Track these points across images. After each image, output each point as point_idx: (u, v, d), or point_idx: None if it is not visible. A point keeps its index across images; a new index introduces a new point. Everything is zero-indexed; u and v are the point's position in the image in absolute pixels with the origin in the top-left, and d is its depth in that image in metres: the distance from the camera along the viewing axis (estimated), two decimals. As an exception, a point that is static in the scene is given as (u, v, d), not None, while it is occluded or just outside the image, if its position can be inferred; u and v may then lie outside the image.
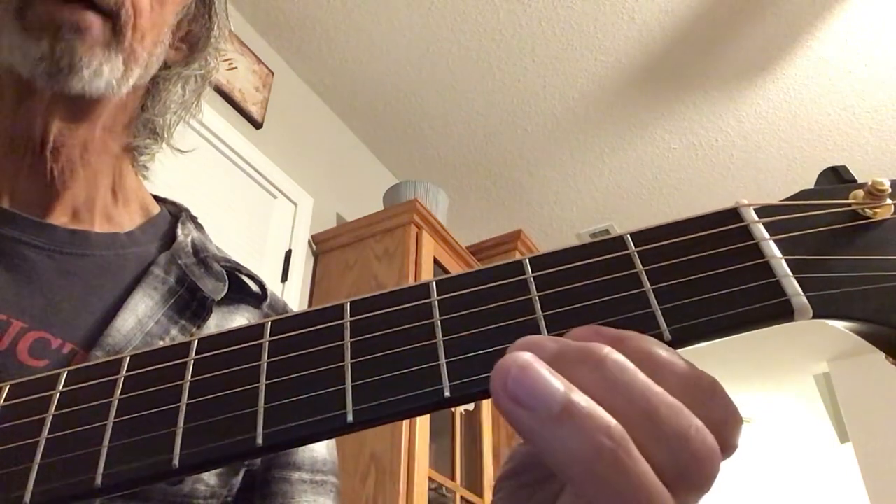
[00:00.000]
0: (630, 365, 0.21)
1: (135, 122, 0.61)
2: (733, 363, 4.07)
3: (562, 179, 2.95)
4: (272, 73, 2.34)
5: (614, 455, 0.19)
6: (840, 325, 0.25)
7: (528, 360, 0.20)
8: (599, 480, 0.19)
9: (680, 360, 0.22)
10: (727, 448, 0.21)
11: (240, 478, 0.54)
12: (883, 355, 0.25)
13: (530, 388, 0.20)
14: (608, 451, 0.19)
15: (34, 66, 0.49)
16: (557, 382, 0.20)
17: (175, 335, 0.52)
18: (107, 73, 0.51)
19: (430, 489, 1.84)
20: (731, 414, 0.21)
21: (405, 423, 1.73)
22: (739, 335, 0.25)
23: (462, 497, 1.99)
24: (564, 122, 2.70)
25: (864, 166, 2.81)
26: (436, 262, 2.20)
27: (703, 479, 0.20)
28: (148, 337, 0.51)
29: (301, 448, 0.57)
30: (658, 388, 0.21)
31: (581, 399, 0.20)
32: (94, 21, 0.50)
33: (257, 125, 2.20)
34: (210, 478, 0.51)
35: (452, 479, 2.00)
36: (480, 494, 2.04)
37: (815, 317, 0.24)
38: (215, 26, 0.63)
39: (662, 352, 0.22)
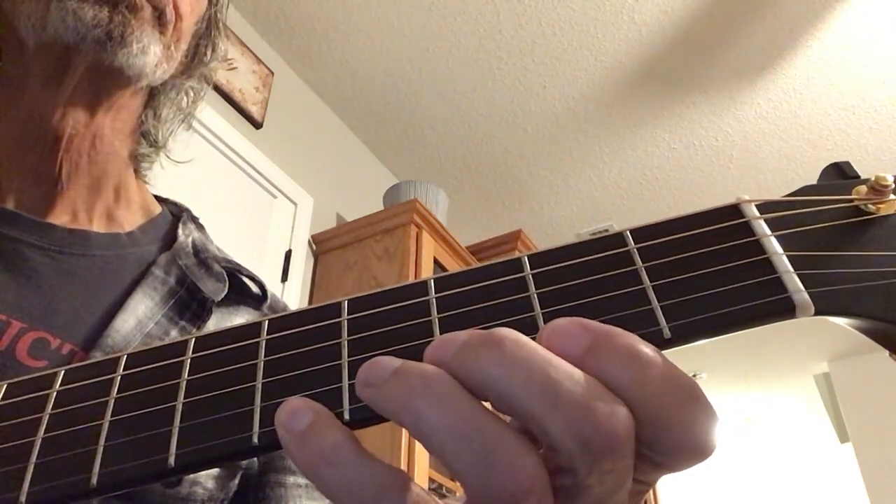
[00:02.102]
0: (530, 342, 0.22)
1: (137, 131, 0.62)
2: (734, 363, 4.07)
3: (562, 179, 2.95)
4: (272, 73, 2.34)
5: (427, 388, 0.21)
6: (842, 321, 0.25)
7: (372, 359, 0.23)
8: (424, 419, 0.21)
9: (663, 360, 0.22)
10: (706, 448, 0.22)
11: (237, 481, 0.54)
12: (884, 353, 0.25)
13: (372, 369, 0.23)
14: (420, 387, 0.21)
15: (88, 31, 0.50)
16: (392, 360, 0.23)
17: (175, 336, 0.52)
18: (151, 54, 0.53)
19: (430, 489, 1.83)
20: (709, 416, 0.22)
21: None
22: (740, 333, 0.25)
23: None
24: (564, 122, 2.69)
25: (865, 166, 2.79)
26: (436, 262, 2.20)
27: (608, 453, 0.20)
28: (147, 337, 0.51)
29: None
30: (561, 363, 0.21)
31: (411, 364, 0.22)
32: (146, 4, 0.53)
33: (257, 125, 2.20)
34: (207, 481, 0.51)
35: (452, 479, 2.00)
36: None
37: (816, 313, 0.24)
38: (219, 42, 0.65)
39: (647, 350, 0.22)
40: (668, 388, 0.21)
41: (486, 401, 0.22)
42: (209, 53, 0.64)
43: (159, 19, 0.54)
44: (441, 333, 0.26)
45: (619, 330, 0.22)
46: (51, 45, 0.52)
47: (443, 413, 0.21)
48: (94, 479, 0.26)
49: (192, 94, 0.65)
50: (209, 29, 0.64)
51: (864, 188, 0.26)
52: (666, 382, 0.21)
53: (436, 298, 0.27)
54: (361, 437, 0.23)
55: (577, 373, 0.21)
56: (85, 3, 0.50)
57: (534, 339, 0.22)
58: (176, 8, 0.55)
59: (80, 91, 0.54)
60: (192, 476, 0.49)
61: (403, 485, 0.22)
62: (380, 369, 0.23)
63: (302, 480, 0.56)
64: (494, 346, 0.22)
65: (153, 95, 0.62)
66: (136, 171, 0.64)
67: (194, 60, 0.63)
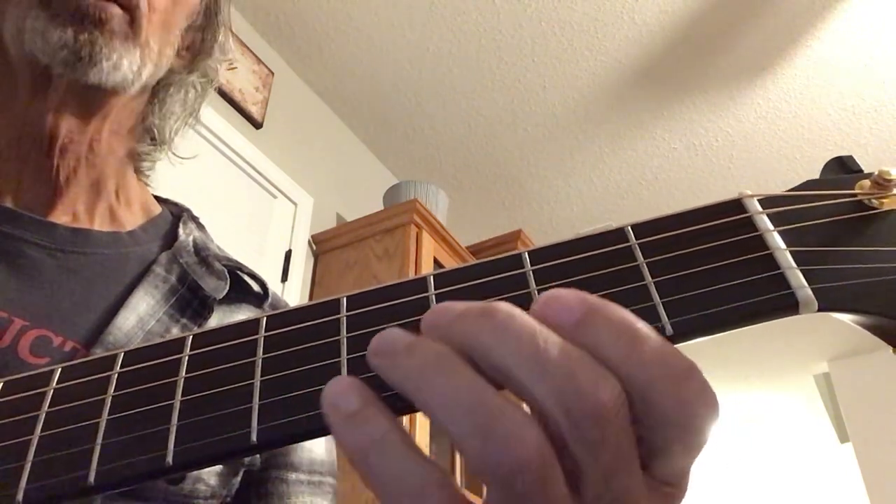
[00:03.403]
0: (524, 314, 0.22)
1: (138, 128, 0.61)
2: (734, 363, 4.06)
3: (562, 179, 2.94)
4: (272, 73, 2.33)
5: (438, 363, 0.22)
6: (846, 318, 0.24)
7: (386, 331, 0.24)
8: (433, 391, 0.21)
9: (658, 338, 0.22)
10: (697, 434, 0.21)
11: (239, 478, 0.54)
12: (884, 353, 0.25)
13: (386, 339, 0.23)
14: (432, 362, 0.22)
15: (55, 53, 0.49)
16: (404, 334, 0.23)
17: (176, 333, 0.52)
18: (125, 67, 0.52)
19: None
20: (705, 398, 0.21)
21: (405, 421, 1.72)
22: (740, 332, 0.24)
23: (462, 497, 1.98)
24: (564, 122, 2.69)
25: (865, 167, 2.80)
26: (436, 262, 2.20)
27: (592, 421, 0.20)
28: (149, 335, 0.51)
29: (300, 449, 0.57)
30: (551, 334, 0.22)
31: (423, 341, 0.23)
32: (114, 13, 0.51)
33: (257, 125, 2.20)
34: (210, 478, 0.51)
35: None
36: (481, 494, 2.04)
37: (820, 310, 0.24)
38: (220, 36, 0.64)
39: (641, 326, 0.22)
40: (660, 366, 0.21)
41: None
42: (212, 45, 0.63)
43: (132, 23, 0.52)
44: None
45: (615, 305, 0.22)
46: (31, 61, 0.51)
47: (449, 386, 0.21)
48: (92, 478, 0.25)
49: (197, 87, 0.64)
50: (208, 19, 0.63)
51: (867, 183, 0.26)
52: (658, 359, 0.21)
53: (435, 295, 0.27)
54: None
55: (567, 344, 0.22)
56: (51, 24, 0.49)
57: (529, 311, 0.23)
58: (150, 3, 0.53)
59: (68, 102, 0.53)
60: (194, 473, 0.49)
61: (445, 481, 0.22)
62: (394, 341, 0.23)
63: (304, 477, 0.56)
64: (489, 317, 0.22)
65: (155, 92, 0.61)
66: (137, 171, 0.63)
67: (198, 55, 0.62)
